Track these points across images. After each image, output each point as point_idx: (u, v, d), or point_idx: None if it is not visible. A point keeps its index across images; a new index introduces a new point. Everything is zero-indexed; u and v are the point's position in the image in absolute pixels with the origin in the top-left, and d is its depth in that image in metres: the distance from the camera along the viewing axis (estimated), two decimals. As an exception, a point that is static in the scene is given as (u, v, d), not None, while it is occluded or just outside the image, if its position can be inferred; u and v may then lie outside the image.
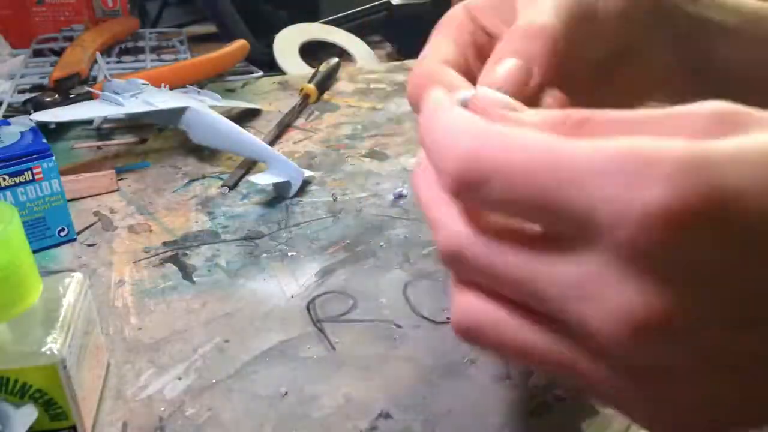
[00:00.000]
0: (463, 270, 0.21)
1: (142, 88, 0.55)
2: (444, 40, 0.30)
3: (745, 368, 0.18)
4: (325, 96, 0.66)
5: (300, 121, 0.61)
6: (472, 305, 0.21)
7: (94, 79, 0.67)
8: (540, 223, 0.19)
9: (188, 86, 0.61)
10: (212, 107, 0.55)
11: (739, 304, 0.17)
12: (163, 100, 0.53)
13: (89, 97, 0.57)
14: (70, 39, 0.75)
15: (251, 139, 0.51)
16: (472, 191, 0.19)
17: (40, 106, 0.57)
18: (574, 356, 0.19)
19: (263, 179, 0.47)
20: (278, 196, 0.49)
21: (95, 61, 0.69)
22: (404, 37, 0.78)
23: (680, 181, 0.15)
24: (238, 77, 0.73)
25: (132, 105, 0.52)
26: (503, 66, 0.25)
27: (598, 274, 0.18)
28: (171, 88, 0.57)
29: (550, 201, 0.17)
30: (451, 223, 0.21)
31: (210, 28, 0.84)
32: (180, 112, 0.52)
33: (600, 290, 0.17)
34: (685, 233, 0.16)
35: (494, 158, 0.18)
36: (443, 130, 0.20)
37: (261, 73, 0.73)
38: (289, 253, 0.42)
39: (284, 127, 0.59)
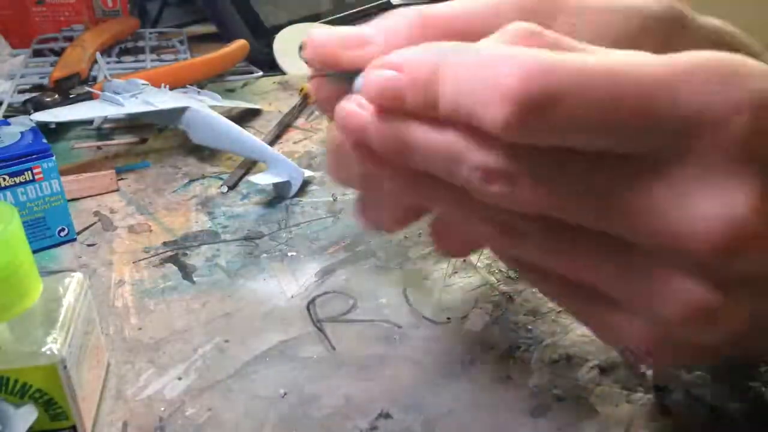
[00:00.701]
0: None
1: (142, 88, 0.55)
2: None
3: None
4: (325, 96, 0.66)
5: (300, 121, 0.61)
6: None
7: (94, 79, 0.67)
8: (614, 141, 0.18)
9: (188, 86, 0.61)
10: (212, 107, 0.55)
11: None
12: (163, 100, 0.53)
13: (89, 97, 0.57)
14: (70, 39, 0.75)
15: (251, 139, 0.51)
16: (540, 115, 0.17)
17: (40, 106, 0.57)
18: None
19: (263, 179, 0.47)
20: (278, 196, 0.49)
21: (95, 61, 0.69)
22: (404, 37, 0.78)
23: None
24: (238, 77, 0.73)
25: (132, 105, 0.52)
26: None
27: (696, 180, 0.17)
28: (171, 88, 0.57)
29: (645, 113, 0.17)
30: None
31: (210, 28, 0.84)
32: (180, 112, 0.52)
33: (695, 200, 0.17)
34: None
35: (571, 71, 0.17)
36: (488, 59, 0.18)
37: (261, 73, 0.73)
38: (289, 253, 0.42)
39: (284, 127, 0.59)
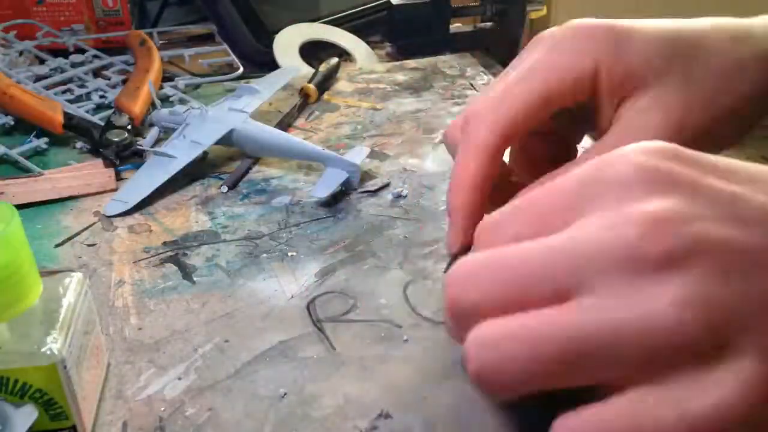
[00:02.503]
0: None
1: (185, 116, 0.54)
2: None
3: None
4: (325, 96, 0.66)
5: (300, 121, 0.61)
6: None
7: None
8: None
9: (225, 97, 0.59)
10: (255, 103, 0.56)
11: None
12: (208, 132, 0.52)
13: (138, 153, 0.54)
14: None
15: (301, 143, 0.51)
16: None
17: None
18: None
19: (322, 192, 0.47)
20: (346, 190, 0.49)
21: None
22: (404, 37, 0.78)
23: None
24: (221, 77, 0.70)
25: (182, 152, 0.51)
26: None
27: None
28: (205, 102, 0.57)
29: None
30: None
31: (210, 28, 0.84)
32: (227, 135, 0.52)
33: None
34: None
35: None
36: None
37: (241, 70, 0.71)
38: (289, 253, 0.42)
39: (284, 127, 0.59)
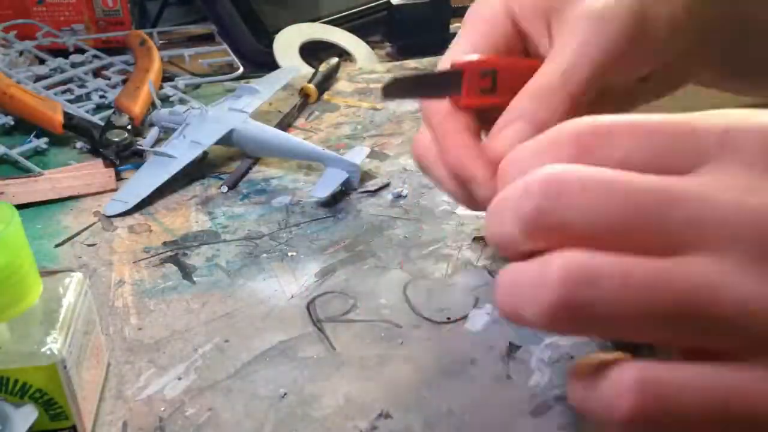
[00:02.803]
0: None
1: (185, 116, 0.54)
2: (471, 37, 0.32)
3: None
4: (325, 96, 0.66)
5: (300, 121, 0.61)
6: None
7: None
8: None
9: (223, 98, 0.59)
10: (255, 103, 0.55)
11: None
12: (208, 131, 0.52)
13: (139, 152, 0.54)
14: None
15: (301, 143, 0.51)
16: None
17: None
18: None
19: (322, 192, 0.47)
20: (347, 190, 0.49)
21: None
22: (404, 37, 0.78)
23: None
24: (222, 77, 0.70)
25: (183, 152, 0.51)
26: (506, 135, 0.28)
27: None
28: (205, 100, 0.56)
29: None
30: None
31: (210, 28, 0.84)
32: (227, 135, 0.52)
33: None
34: None
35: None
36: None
37: (241, 70, 0.71)
38: (289, 253, 0.42)
39: (284, 127, 0.59)
